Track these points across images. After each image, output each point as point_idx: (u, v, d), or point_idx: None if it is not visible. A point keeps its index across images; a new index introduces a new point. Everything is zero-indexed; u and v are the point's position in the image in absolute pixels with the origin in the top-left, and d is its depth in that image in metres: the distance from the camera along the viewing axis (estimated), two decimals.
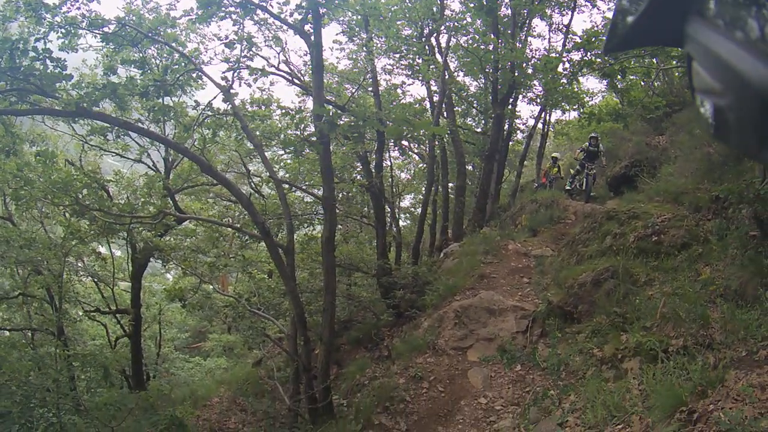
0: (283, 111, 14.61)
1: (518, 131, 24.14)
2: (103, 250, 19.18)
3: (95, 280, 19.63)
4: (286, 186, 13.75)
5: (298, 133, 11.85)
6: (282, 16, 10.78)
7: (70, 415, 8.67)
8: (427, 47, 17.95)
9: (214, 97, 12.04)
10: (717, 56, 0.78)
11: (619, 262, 9.37)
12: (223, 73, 11.93)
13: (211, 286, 16.83)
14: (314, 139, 10.32)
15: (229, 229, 17.78)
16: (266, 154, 13.23)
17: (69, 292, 17.03)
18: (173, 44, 11.70)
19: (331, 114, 9.83)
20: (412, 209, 27.91)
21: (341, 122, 10.42)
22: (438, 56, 18.95)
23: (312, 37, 10.39)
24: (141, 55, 11.82)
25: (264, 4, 10.65)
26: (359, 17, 14.51)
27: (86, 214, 13.40)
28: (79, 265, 18.99)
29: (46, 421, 8.14)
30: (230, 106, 11.86)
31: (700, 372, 5.84)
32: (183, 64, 11.92)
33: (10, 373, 9.71)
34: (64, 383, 9.50)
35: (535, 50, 21.65)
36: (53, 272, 15.56)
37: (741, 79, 0.72)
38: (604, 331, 8.37)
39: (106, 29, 10.31)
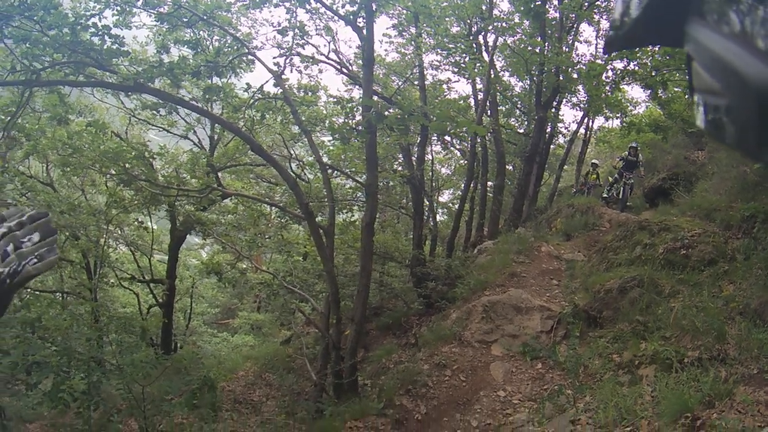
0: (334, 99, 14.89)
1: (560, 135, 24.04)
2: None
3: (132, 249, 20.17)
4: (330, 170, 14.10)
5: (347, 121, 12.16)
6: (334, 7, 11.14)
7: (100, 372, 9.04)
8: (474, 45, 17.99)
9: (266, 81, 12.39)
10: (717, 56, 0.78)
11: (646, 272, 9.53)
12: (275, 58, 12.29)
13: (246, 264, 17.28)
14: (361, 128, 10.68)
15: (269, 209, 18.22)
16: None
17: (106, 258, 17.65)
18: (227, 28, 12.09)
19: (379, 106, 10.18)
20: (450, 204, 27.82)
21: (388, 113, 10.74)
22: (485, 55, 18.93)
23: (364, 31, 10.74)
24: (194, 35, 12.24)
25: None
26: (409, 13, 14.73)
27: (132, 184, 13.92)
28: (117, 233, 19.50)
29: (81, 372, 8.59)
30: (281, 90, 12.22)
31: (711, 384, 6.04)
32: (236, 47, 12.30)
33: (46, 329, 10.14)
34: (96, 344, 9.88)
35: (582, 55, 21.54)
36: (91, 239, 16.10)
37: (740, 78, 0.72)
38: (625, 338, 8.60)
39: (161, 10, 10.71)
